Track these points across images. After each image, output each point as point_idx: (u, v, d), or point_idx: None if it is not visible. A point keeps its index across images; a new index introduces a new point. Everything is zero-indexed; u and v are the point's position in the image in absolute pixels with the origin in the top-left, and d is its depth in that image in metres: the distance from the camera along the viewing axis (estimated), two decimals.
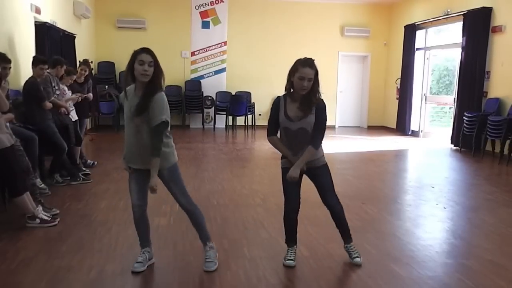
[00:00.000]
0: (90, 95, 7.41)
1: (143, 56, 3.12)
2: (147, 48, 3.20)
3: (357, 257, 3.63)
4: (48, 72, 6.06)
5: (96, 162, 7.28)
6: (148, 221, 3.54)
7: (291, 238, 3.68)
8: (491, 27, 9.30)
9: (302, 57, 3.38)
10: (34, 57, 5.97)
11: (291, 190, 3.54)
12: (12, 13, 6.70)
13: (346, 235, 3.70)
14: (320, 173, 3.54)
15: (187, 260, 3.70)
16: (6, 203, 4.79)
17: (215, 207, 5.25)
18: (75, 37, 9.50)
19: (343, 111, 13.67)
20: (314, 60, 3.36)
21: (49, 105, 5.77)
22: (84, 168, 6.59)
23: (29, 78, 5.79)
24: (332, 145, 9.87)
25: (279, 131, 3.50)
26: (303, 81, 3.27)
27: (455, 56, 11.05)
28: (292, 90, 3.41)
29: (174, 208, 4.90)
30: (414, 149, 10.42)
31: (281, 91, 3.54)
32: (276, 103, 3.47)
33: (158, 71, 3.17)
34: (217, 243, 4.05)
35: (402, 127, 12.44)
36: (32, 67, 5.82)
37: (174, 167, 3.41)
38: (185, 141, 10.03)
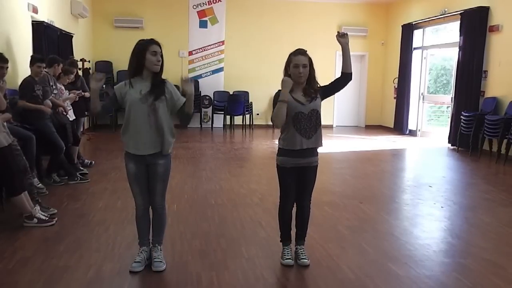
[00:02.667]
0: (87, 93, 7.40)
1: (155, 47, 3.29)
2: (155, 39, 3.34)
3: (304, 259, 3.62)
4: (45, 72, 6.05)
5: (93, 162, 7.27)
6: (150, 219, 3.55)
7: (286, 235, 3.69)
8: (488, 27, 9.31)
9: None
10: (31, 56, 5.97)
11: (289, 187, 3.55)
12: (9, 13, 6.68)
13: (302, 237, 3.71)
14: (310, 173, 3.57)
15: (185, 259, 3.70)
16: (4, 203, 4.78)
17: (212, 206, 5.25)
18: (72, 36, 9.48)
19: (341, 110, 13.69)
20: (306, 50, 3.47)
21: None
22: (81, 168, 6.58)
23: (26, 77, 5.78)
24: (329, 145, 9.86)
25: (289, 121, 3.45)
26: (298, 68, 3.39)
27: (452, 56, 11.07)
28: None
29: (172, 208, 4.91)
30: (412, 149, 10.43)
31: None
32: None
33: (163, 61, 3.35)
34: (215, 243, 4.08)
35: (399, 126, 12.45)
36: (30, 66, 5.81)
37: (170, 161, 3.47)
38: (183, 140, 10.02)
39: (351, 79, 3.54)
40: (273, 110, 3.53)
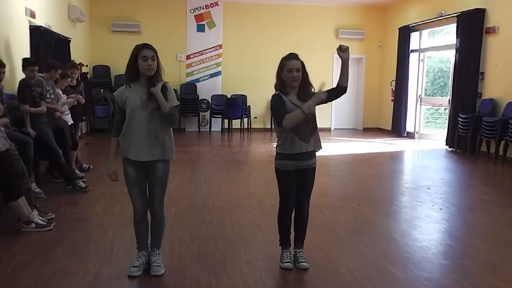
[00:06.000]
0: (82, 99, 7.40)
1: (146, 51, 3.26)
2: (147, 43, 3.33)
3: (303, 262, 3.62)
4: (41, 76, 6.03)
5: (91, 166, 7.25)
6: (148, 223, 3.54)
7: (286, 239, 3.68)
8: (485, 28, 9.34)
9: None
10: (23, 60, 5.89)
11: (290, 191, 3.55)
12: (7, 17, 6.68)
13: (301, 240, 3.72)
14: (310, 176, 3.59)
15: (183, 263, 3.70)
16: (1, 208, 4.76)
17: (211, 209, 5.24)
18: (70, 40, 9.48)
19: (339, 113, 13.70)
20: (297, 54, 3.48)
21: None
22: (79, 172, 6.57)
23: (21, 79, 5.77)
24: (327, 147, 9.85)
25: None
26: (292, 72, 3.40)
27: (449, 58, 11.10)
28: (284, 89, 3.48)
29: (170, 211, 4.90)
30: (410, 151, 10.45)
31: None
32: (279, 98, 3.50)
33: (159, 64, 3.33)
34: (213, 246, 4.07)
35: (397, 128, 12.46)
36: (23, 70, 5.78)
37: (169, 165, 3.47)
38: (181, 144, 10.01)
39: (345, 92, 3.53)
40: (275, 112, 3.50)
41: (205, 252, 3.93)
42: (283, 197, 3.60)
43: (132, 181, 3.40)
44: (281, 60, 3.48)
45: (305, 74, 3.47)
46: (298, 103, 3.44)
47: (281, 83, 3.49)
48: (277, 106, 3.47)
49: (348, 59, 3.45)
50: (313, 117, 3.49)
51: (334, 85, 3.54)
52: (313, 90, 3.52)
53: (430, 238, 4.47)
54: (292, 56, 3.45)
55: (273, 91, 3.56)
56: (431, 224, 4.92)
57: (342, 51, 3.42)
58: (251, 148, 10.48)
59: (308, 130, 3.47)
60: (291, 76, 3.40)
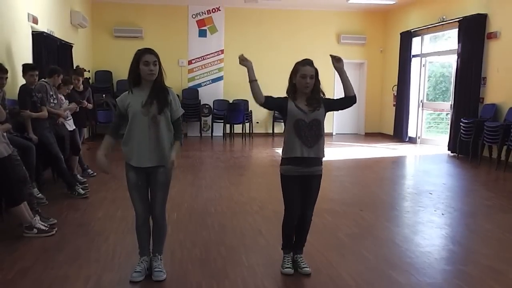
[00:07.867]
0: (90, 105, 7.44)
1: (147, 56, 3.26)
2: (149, 48, 3.32)
3: (306, 267, 3.61)
4: (44, 81, 6.06)
5: (95, 173, 7.21)
6: (150, 229, 3.54)
7: (288, 245, 3.68)
8: (486, 33, 9.35)
9: None
10: (23, 65, 5.91)
11: (294, 197, 3.53)
12: (9, 23, 6.71)
13: (300, 246, 3.71)
14: (314, 183, 3.56)
15: (185, 268, 3.70)
16: (3, 213, 4.77)
17: (212, 214, 5.24)
18: (72, 46, 9.51)
19: (340, 118, 13.66)
20: (312, 61, 3.49)
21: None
22: (80, 178, 6.57)
23: (22, 85, 5.79)
24: (329, 152, 9.80)
25: (290, 127, 3.48)
26: (305, 78, 3.40)
27: (451, 63, 11.10)
28: (295, 94, 3.50)
29: (172, 216, 4.90)
30: (412, 156, 10.44)
31: None
32: (284, 98, 3.53)
33: (161, 69, 3.33)
34: (214, 251, 4.07)
35: (399, 133, 12.46)
36: (23, 76, 5.80)
37: (171, 171, 3.45)
38: (182, 149, 9.93)
39: (355, 101, 3.55)
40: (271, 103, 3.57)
41: (207, 257, 3.92)
42: (287, 204, 3.57)
43: (133, 185, 3.41)
44: (296, 64, 3.48)
45: (317, 83, 3.46)
46: (305, 108, 3.45)
47: (293, 87, 3.49)
48: (275, 98, 3.53)
49: (343, 69, 3.46)
50: (318, 123, 3.46)
51: (335, 96, 3.55)
52: (322, 96, 3.52)
53: (432, 243, 4.46)
54: (307, 62, 3.44)
55: (274, 95, 3.57)
56: (433, 229, 4.91)
57: (336, 61, 3.45)
58: (252, 153, 10.46)
59: (312, 135, 3.45)
60: (304, 82, 3.40)
